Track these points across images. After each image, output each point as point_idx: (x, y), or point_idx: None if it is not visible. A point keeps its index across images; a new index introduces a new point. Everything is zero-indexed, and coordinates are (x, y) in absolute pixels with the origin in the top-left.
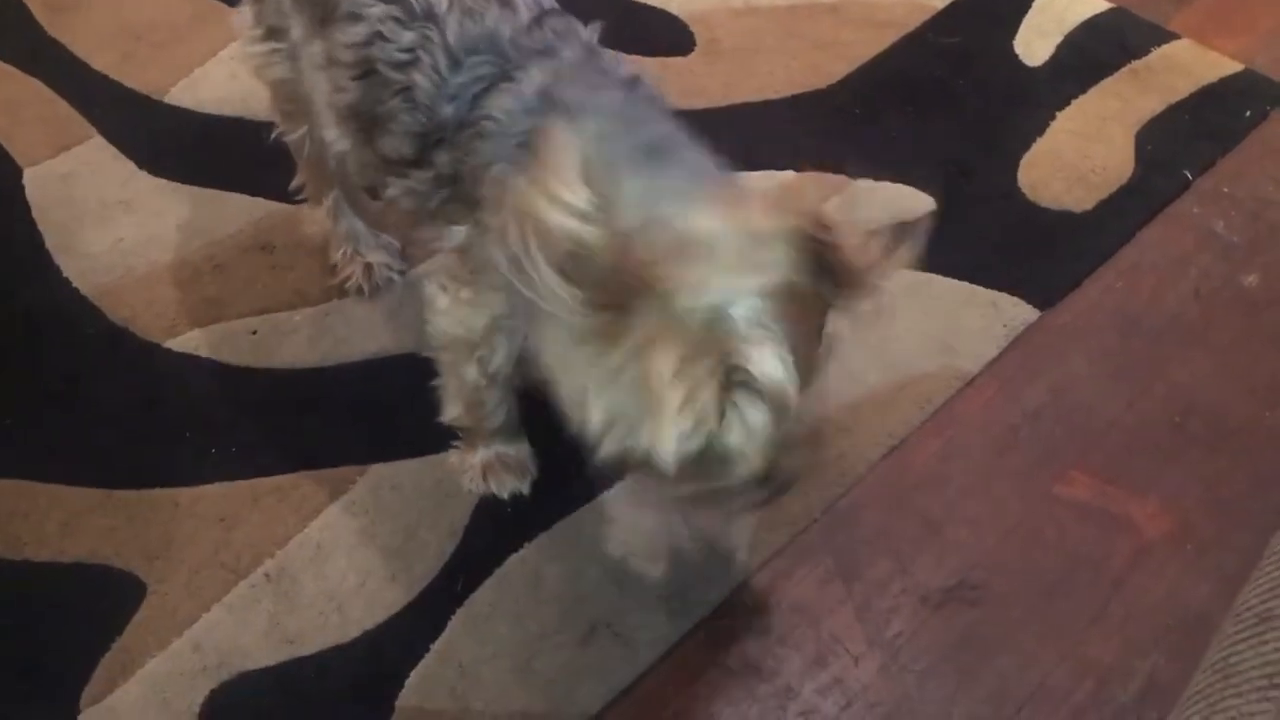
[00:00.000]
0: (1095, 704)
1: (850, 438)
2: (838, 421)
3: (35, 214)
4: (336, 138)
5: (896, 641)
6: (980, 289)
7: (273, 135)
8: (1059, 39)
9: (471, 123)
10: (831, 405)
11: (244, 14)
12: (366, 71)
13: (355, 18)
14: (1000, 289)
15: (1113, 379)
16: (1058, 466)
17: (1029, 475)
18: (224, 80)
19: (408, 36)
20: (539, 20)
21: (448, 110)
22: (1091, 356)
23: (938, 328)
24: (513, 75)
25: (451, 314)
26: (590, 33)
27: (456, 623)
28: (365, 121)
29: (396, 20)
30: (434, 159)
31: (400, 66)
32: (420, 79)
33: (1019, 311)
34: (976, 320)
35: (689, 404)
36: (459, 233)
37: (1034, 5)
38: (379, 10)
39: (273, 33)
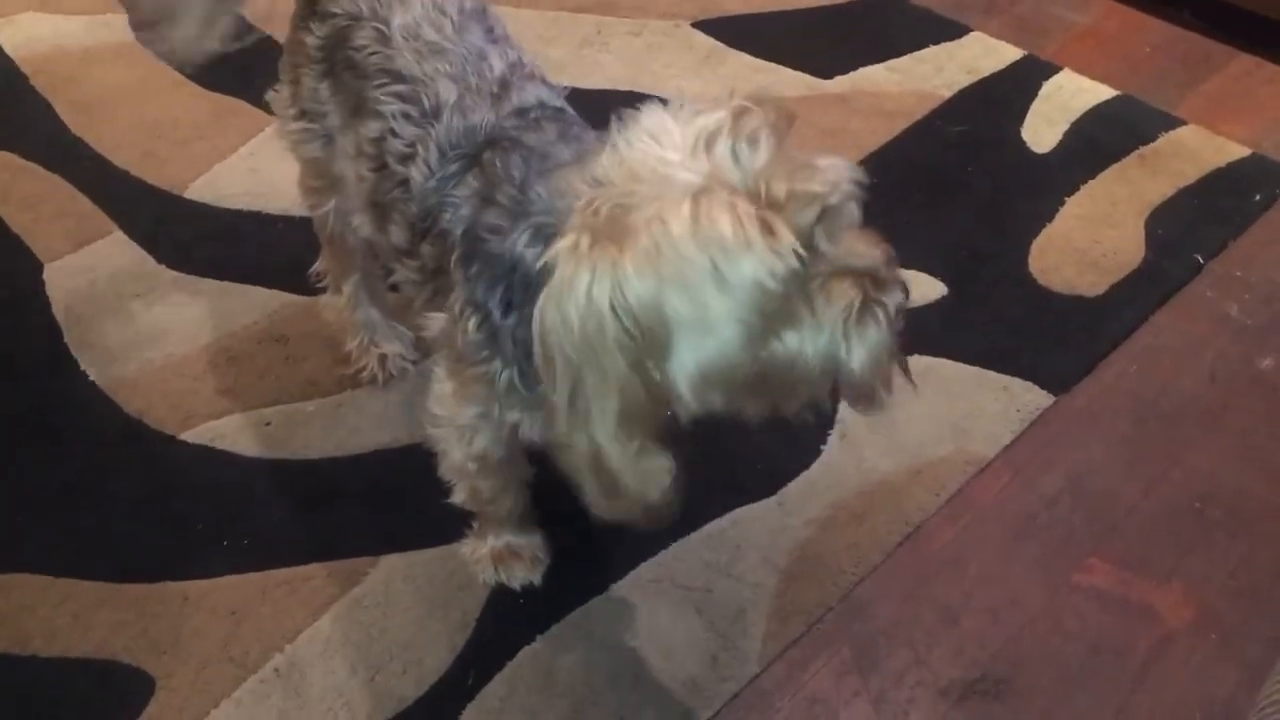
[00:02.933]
0: None
1: (865, 525)
2: (851, 509)
3: (55, 308)
4: (362, 223)
5: None
6: (993, 374)
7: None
8: (1066, 126)
9: (439, 214)
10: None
11: (281, 93)
12: (380, 165)
13: (377, 114)
14: (1013, 374)
15: (1130, 465)
16: (1077, 554)
17: (1048, 563)
18: (243, 175)
19: (411, 132)
20: (523, 112)
21: (430, 202)
22: (1108, 442)
23: (951, 413)
24: (474, 165)
25: (442, 401)
26: (590, 136)
27: (468, 718)
28: (379, 210)
29: (407, 117)
30: (421, 250)
31: (402, 160)
32: (415, 172)
33: (1033, 396)
34: (990, 405)
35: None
36: (438, 320)
37: (1040, 93)
38: (395, 107)
39: (306, 114)
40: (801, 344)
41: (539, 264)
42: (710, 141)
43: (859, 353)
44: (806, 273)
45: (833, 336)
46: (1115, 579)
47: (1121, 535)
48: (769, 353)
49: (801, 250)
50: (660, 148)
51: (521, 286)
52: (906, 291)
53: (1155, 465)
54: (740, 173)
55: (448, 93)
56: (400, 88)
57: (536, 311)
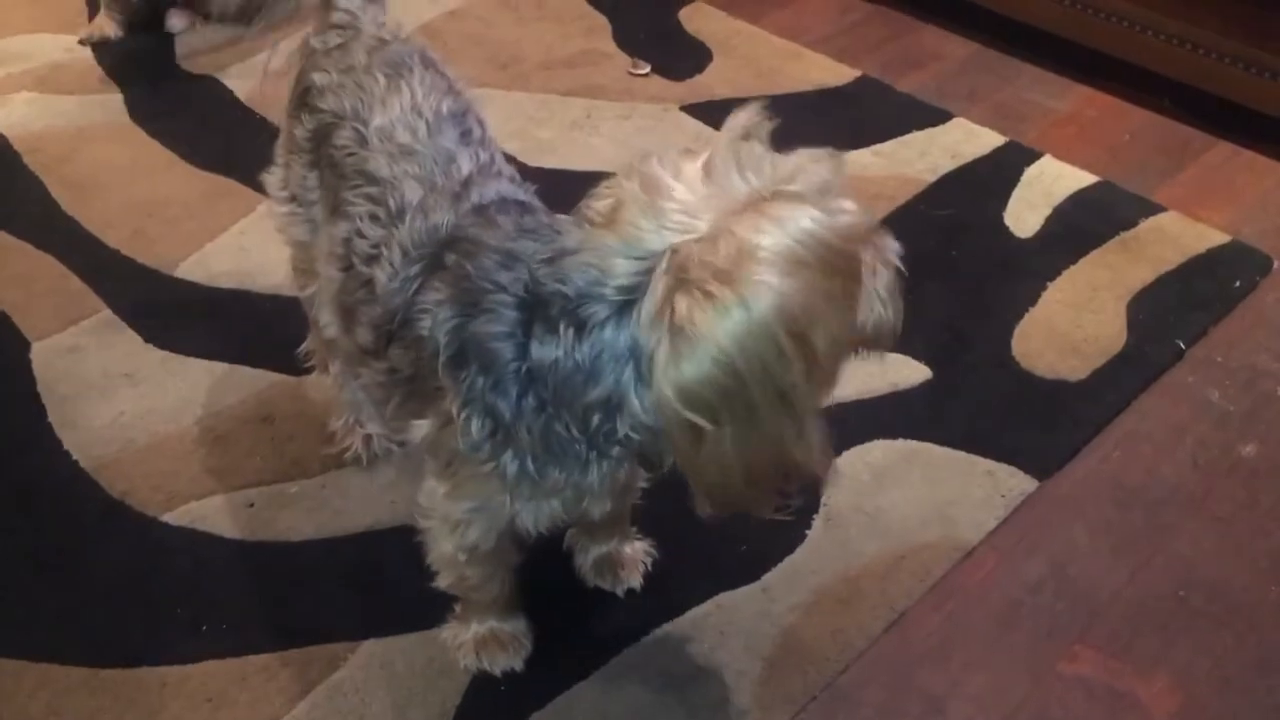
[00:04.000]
0: None
1: (849, 611)
2: (836, 594)
3: (40, 387)
4: (329, 322)
5: None
6: (977, 458)
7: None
8: (1048, 211)
9: (410, 321)
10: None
11: (274, 175)
12: (347, 265)
13: (347, 215)
14: (997, 459)
15: (1113, 551)
16: (1062, 641)
17: (1033, 650)
18: (233, 254)
19: (377, 234)
20: (482, 209)
21: (395, 303)
22: (1091, 528)
23: (935, 497)
24: (437, 266)
25: (433, 498)
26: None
27: None
28: (346, 312)
29: (374, 218)
30: (389, 352)
31: (368, 261)
32: (379, 273)
33: (1016, 481)
34: (974, 490)
35: None
36: (421, 427)
37: (1023, 179)
38: (364, 209)
39: (295, 198)
40: (869, 313)
41: (626, 337)
42: (714, 171)
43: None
44: None
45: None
46: (1101, 668)
47: (1106, 622)
48: (856, 324)
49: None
50: (669, 193)
51: (540, 380)
52: None
53: (1138, 552)
54: (757, 183)
55: (412, 194)
56: (371, 190)
57: (662, 379)
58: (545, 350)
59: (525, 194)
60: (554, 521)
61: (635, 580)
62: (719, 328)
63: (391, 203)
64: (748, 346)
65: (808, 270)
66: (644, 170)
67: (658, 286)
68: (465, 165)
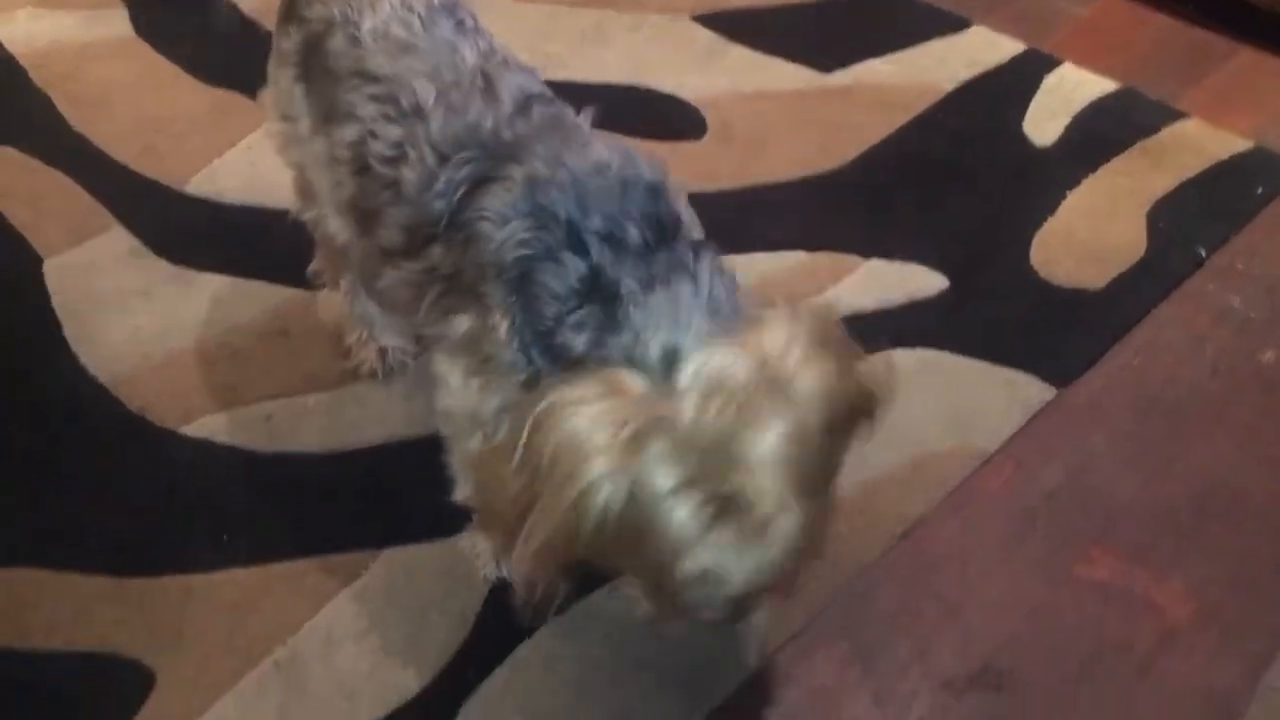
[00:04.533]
0: None
1: (865, 518)
2: (852, 502)
3: (55, 303)
4: (339, 229)
5: None
6: (995, 367)
7: (290, 216)
8: (1068, 119)
9: (464, 224)
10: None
11: (267, 92)
12: (361, 168)
13: (352, 117)
14: (1016, 367)
15: (1132, 458)
16: (1079, 547)
17: (1049, 556)
18: (243, 170)
19: (395, 133)
20: (524, 109)
21: (437, 206)
22: (1110, 435)
23: (953, 407)
24: (498, 174)
25: (460, 395)
26: (583, 118)
27: (469, 711)
28: (362, 214)
29: (386, 118)
30: (427, 252)
31: (388, 162)
32: (408, 174)
33: (1035, 390)
34: (992, 399)
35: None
36: (462, 322)
37: (1042, 87)
38: (372, 109)
39: (286, 117)
40: None
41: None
42: None
43: None
44: None
45: None
46: (1117, 572)
47: (1123, 528)
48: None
49: None
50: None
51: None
52: None
53: (1157, 459)
54: None
55: (425, 91)
56: (373, 89)
57: (546, 408)
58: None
59: (539, 83)
60: None
61: None
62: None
63: (404, 101)
64: (577, 458)
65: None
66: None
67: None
68: (469, 55)
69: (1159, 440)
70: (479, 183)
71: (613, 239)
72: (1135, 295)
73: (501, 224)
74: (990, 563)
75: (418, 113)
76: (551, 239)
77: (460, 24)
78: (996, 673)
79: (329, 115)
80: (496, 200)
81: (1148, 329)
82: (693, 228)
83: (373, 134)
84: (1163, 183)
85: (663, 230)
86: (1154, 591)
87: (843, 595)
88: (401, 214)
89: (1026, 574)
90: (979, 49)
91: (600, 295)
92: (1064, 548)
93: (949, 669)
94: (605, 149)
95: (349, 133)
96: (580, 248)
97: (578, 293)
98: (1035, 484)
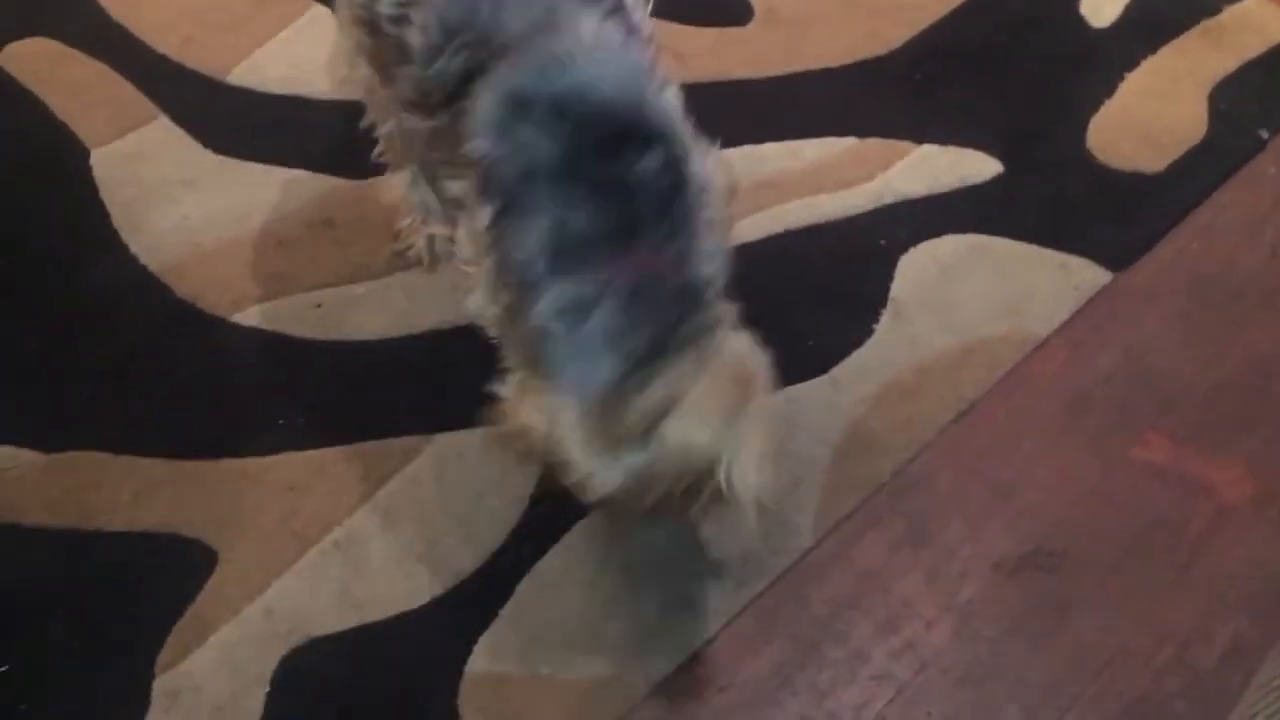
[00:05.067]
0: (1177, 667)
1: (917, 402)
2: (904, 387)
3: (103, 193)
4: (365, 75)
5: (969, 607)
6: (1049, 251)
7: (363, 123)
8: (1126, 1)
9: (459, 103)
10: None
11: None
12: (373, 30)
13: None
14: (1070, 251)
15: (1188, 342)
16: (1133, 430)
17: (1103, 439)
18: (284, 60)
19: None
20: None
21: (437, 83)
22: (1166, 319)
23: (1005, 291)
24: (492, 64)
25: (476, 297)
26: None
27: (525, 589)
28: (381, 67)
29: None
30: (436, 115)
31: (395, 22)
32: (412, 38)
33: (1089, 274)
34: (1045, 283)
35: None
36: (456, 188)
37: None
38: None
39: None
40: None
41: None
42: None
43: None
44: None
45: None
46: (1172, 454)
47: (1179, 411)
48: None
49: None
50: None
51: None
52: None
53: (1214, 342)
54: None
55: None
56: None
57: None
58: None
59: None
60: None
61: None
62: None
63: None
64: None
65: None
66: None
67: None
68: None
69: (1216, 323)
70: (474, 73)
71: None
72: (1194, 178)
73: (486, 118)
74: (1043, 446)
75: None
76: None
77: None
78: (1048, 553)
79: None
80: (487, 97)
81: (1206, 212)
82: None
83: None
84: (1224, 64)
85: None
86: (1210, 473)
87: (894, 478)
88: (409, 72)
89: (1080, 457)
90: None
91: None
92: (1118, 431)
93: (1000, 550)
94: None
95: None
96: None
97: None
98: (1089, 368)
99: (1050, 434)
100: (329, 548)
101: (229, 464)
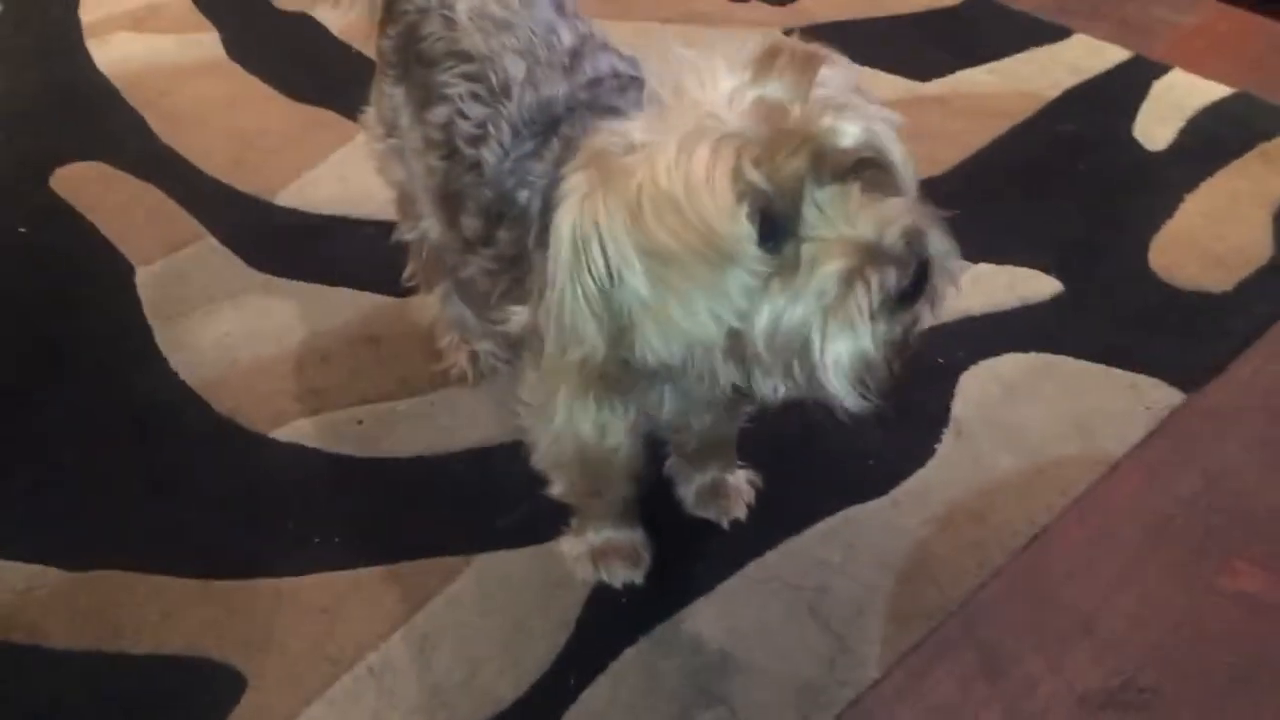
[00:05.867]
0: None
1: (986, 525)
2: (970, 509)
3: (146, 310)
4: (431, 225)
5: None
6: (1117, 371)
7: (393, 237)
8: (1181, 124)
9: (516, 194)
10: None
11: (369, 113)
12: (450, 151)
13: (443, 99)
14: (1139, 371)
15: (1271, 465)
16: (1220, 557)
17: (1188, 566)
18: (333, 182)
19: (480, 112)
20: (597, 81)
21: (508, 184)
22: (1247, 441)
23: (1073, 410)
24: (557, 134)
25: (534, 389)
26: None
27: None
28: (449, 201)
29: (475, 97)
30: (498, 236)
31: (473, 142)
32: (487, 154)
33: (1161, 394)
34: (1115, 403)
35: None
36: (521, 314)
37: (1151, 93)
38: (462, 88)
39: (391, 130)
40: (773, 313)
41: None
42: (737, 88)
43: (831, 348)
44: (789, 230)
45: (806, 316)
46: (1263, 582)
47: (1267, 538)
48: (736, 312)
49: (749, 207)
50: (696, 92)
51: None
52: (924, 274)
53: None
54: (755, 116)
55: (516, 68)
56: (467, 67)
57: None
58: None
59: (636, 68)
60: (652, 424)
61: (739, 511)
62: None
63: (493, 78)
64: (562, 242)
65: (652, 215)
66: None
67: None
68: (566, 36)
69: None
70: (537, 153)
71: None
72: (1265, 298)
73: (535, 184)
74: (1124, 573)
75: (505, 90)
76: None
77: (560, 6)
78: (1138, 689)
79: (424, 101)
80: (536, 164)
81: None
82: None
83: (460, 114)
84: None
85: None
86: None
87: (965, 606)
88: (481, 197)
89: (1164, 586)
90: (1082, 57)
91: None
92: (1204, 558)
93: (1085, 684)
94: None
95: (440, 114)
96: None
97: None
98: (1168, 491)
99: (1130, 561)
100: (363, 674)
101: (262, 584)
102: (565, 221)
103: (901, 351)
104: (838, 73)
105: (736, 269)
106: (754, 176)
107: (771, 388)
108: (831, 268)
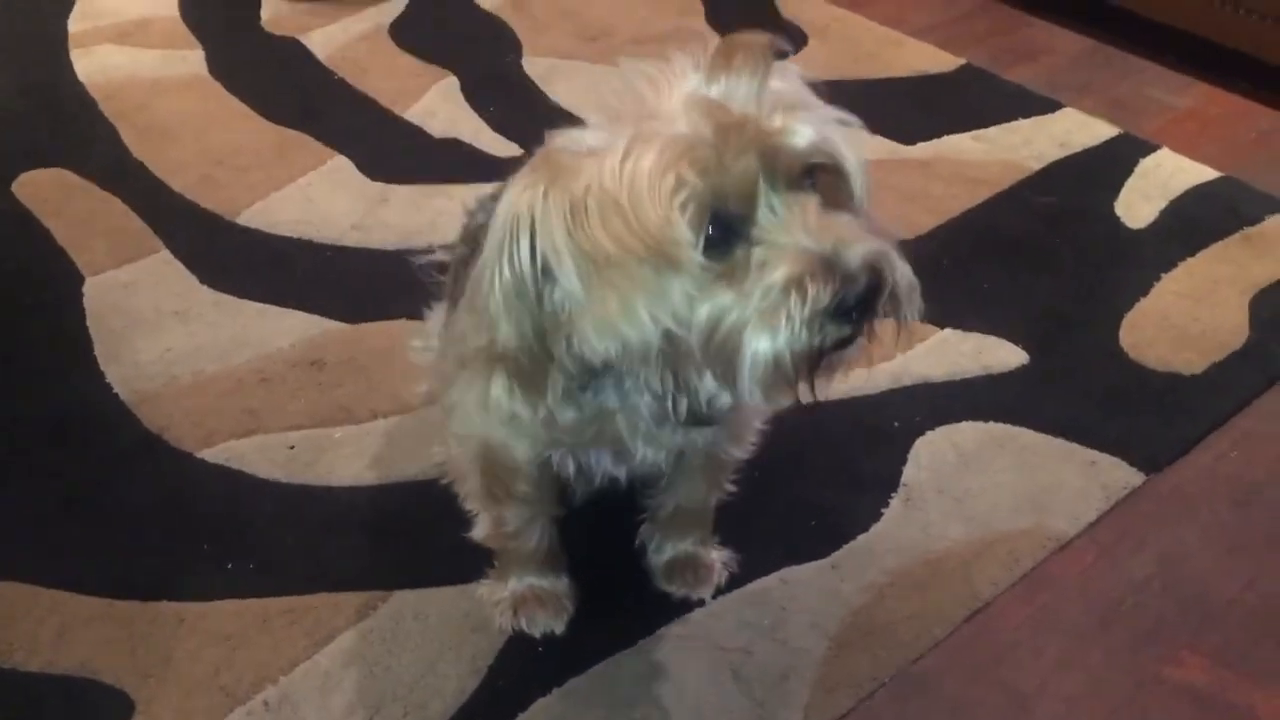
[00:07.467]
0: None
1: (928, 595)
2: (913, 578)
3: (89, 320)
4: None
5: None
6: (1077, 447)
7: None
8: (1164, 204)
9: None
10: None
11: (434, 311)
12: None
13: None
14: (1099, 449)
15: (1230, 553)
16: (1168, 645)
17: (1134, 652)
18: (299, 205)
19: None
20: None
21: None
22: (1205, 527)
23: (1028, 484)
24: None
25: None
26: None
27: None
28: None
29: None
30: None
31: None
32: None
33: (1121, 474)
34: (1073, 480)
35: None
36: (437, 310)
37: (1137, 170)
38: None
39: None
40: (713, 314)
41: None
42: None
43: (749, 345)
44: (741, 233)
45: (745, 318)
46: (1211, 676)
47: (1219, 629)
48: (675, 315)
49: (693, 211)
50: (651, 98)
51: None
52: (872, 296)
53: (1258, 556)
54: (706, 117)
55: None
56: None
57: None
58: None
59: None
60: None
61: (707, 590)
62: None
63: None
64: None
65: (595, 217)
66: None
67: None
68: None
69: (1260, 536)
70: None
71: None
72: (1235, 384)
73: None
74: (1067, 655)
75: None
76: None
77: None
78: None
79: None
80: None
81: (1248, 420)
82: None
83: None
84: (1266, 272)
85: None
86: (1254, 699)
87: (897, 678)
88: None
89: (1107, 671)
90: (1070, 130)
91: None
92: (1151, 645)
93: None
94: None
95: None
96: None
97: None
98: (1120, 573)
99: (1075, 643)
100: (258, 708)
101: (166, 606)
102: (503, 207)
103: (814, 366)
104: (792, 71)
105: (678, 274)
106: (697, 181)
107: (706, 390)
108: (779, 275)
